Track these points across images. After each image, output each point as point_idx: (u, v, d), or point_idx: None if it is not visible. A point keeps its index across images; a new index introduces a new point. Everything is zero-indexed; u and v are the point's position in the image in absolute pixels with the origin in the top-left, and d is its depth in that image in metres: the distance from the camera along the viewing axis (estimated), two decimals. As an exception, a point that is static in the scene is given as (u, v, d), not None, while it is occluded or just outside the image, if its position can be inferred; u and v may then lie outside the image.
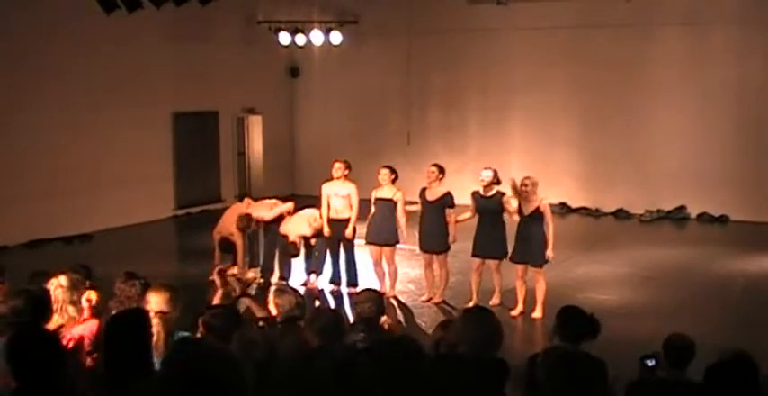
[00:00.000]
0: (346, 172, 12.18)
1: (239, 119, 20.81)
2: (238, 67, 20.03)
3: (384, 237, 11.94)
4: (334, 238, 12.31)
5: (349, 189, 12.15)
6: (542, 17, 18.90)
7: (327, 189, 12.29)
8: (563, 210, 19.24)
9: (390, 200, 11.81)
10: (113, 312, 5.74)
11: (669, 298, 12.19)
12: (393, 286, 12.13)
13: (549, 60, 19.05)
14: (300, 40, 19.90)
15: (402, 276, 12.60)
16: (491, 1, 19.02)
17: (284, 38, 19.85)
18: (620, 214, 18.82)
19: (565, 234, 17.55)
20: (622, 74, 18.42)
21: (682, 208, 18.44)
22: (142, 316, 4.92)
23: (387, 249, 11.98)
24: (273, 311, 6.31)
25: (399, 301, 12.01)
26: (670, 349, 5.78)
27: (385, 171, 11.95)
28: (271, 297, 6.36)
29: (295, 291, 6.41)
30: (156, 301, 5.90)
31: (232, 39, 19.85)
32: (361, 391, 4.27)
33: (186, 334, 6.09)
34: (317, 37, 19.91)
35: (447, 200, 11.60)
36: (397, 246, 12.21)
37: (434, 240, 11.67)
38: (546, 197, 11.28)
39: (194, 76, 18.95)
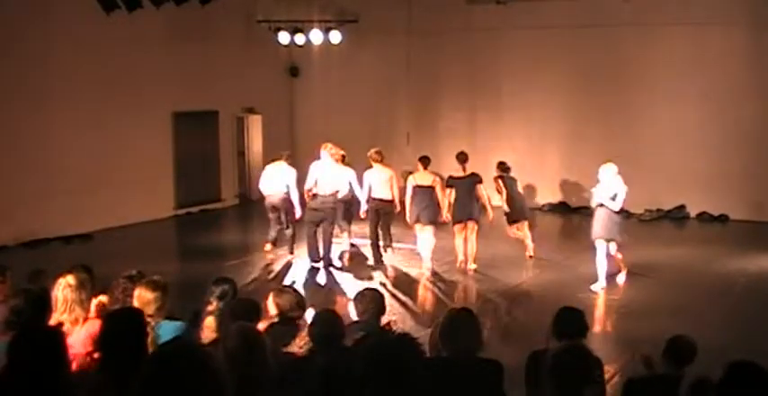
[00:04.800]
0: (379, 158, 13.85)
1: (239, 118, 20.82)
2: (238, 67, 20.02)
3: (428, 216, 13.30)
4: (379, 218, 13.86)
5: (389, 174, 13.76)
6: (542, 17, 18.89)
7: (368, 176, 13.84)
8: (563, 209, 19.25)
9: (430, 186, 13.30)
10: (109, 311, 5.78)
11: (669, 297, 12.19)
12: (430, 258, 13.52)
13: (548, 60, 19.05)
14: (300, 39, 19.90)
15: (402, 275, 12.72)
16: (491, 0, 19.04)
17: (284, 37, 19.85)
18: (620, 213, 18.78)
19: (565, 233, 17.65)
20: (622, 73, 18.42)
21: (681, 207, 18.45)
22: (136, 314, 4.94)
23: (429, 227, 13.36)
24: (273, 311, 6.32)
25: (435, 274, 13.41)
26: (674, 348, 5.96)
27: (422, 164, 13.66)
28: (270, 296, 6.37)
29: (295, 291, 6.41)
30: (141, 298, 5.98)
31: (232, 38, 19.85)
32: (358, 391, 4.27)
33: (174, 323, 6.11)
34: (316, 36, 19.90)
35: None
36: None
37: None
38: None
39: (194, 75, 18.94)
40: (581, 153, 19.00)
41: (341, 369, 4.70)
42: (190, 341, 4.23)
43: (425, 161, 13.68)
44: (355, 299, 6.41)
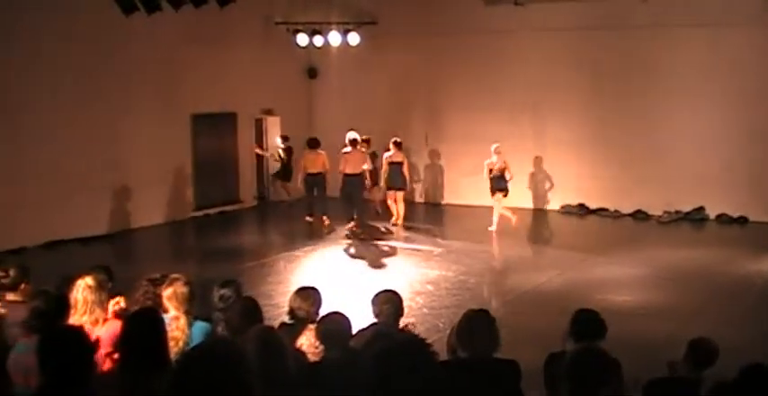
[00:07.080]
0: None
1: (257, 120, 20.87)
2: (256, 69, 20.08)
3: (398, 184, 17.62)
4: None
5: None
6: (560, 18, 18.83)
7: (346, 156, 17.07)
8: (582, 211, 19.19)
9: (401, 162, 17.53)
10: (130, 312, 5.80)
11: (687, 299, 12.15)
12: (400, 216, 17.75)
13: (566, 61, 18.98)
14: (318, 41, 19.91)
15: (420, 277, 12.91)
16: (508, 2, 19.00)
17: (302, 39, 19.86)
18: (639, 215, 18.74)
19: (583, 235, 17.58)
20: (640, 75, 18.35)
21: (700, 209, 18.35)
22: (155, 315, 4.97)
23: (400, 193, 17.74)
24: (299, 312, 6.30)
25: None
26: (695, 350, 5.97)
27: (395, 146, 17.68)
28: (291, 297, 6.37)
29: (316, 291, 6.39)
30: (172, 297, 6.00)
31: (250, 40, 19.90)
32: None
33: (204, 324, 6.14)
34: (334, 38, 19.92)
35: None
36: None
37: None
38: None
39: (213, 77, 19.00)
40: (599, 154, 18.97)
41: (347, 370, 4.72)
42: (228, 340, 4.26)
43: (398, 144, 17.65)
44: (372, 301, 6.41)
